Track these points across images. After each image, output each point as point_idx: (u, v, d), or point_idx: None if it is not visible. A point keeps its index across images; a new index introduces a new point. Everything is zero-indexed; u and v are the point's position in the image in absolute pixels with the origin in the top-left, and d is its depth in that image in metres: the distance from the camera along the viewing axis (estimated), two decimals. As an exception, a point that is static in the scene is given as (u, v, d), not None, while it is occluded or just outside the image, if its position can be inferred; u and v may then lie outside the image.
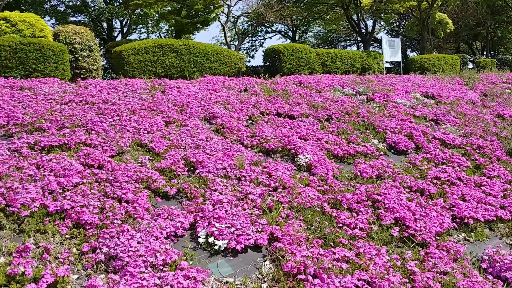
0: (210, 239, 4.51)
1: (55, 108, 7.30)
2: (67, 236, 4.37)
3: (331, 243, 4.71)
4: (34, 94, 7.99)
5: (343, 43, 37.65)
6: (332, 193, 5.85)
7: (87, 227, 4.45)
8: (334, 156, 7.30)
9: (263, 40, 34.55)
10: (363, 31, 24.18)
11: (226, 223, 4.69)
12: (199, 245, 4.54)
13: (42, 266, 3.84)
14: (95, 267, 4.01)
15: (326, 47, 35.89)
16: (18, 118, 6.69)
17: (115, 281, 3.76)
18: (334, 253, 4.41)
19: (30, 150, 5.83)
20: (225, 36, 27.12)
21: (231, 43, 31.66)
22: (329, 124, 8.83)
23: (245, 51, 33.19)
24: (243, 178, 5.92)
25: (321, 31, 36.76)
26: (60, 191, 4.92)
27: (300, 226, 4.91)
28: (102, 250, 4.13)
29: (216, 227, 4.61)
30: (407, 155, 8.02)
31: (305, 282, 3.99)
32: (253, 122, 8.51)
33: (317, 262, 4.21)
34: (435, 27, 23.87)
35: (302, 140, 7.58)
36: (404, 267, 4.46)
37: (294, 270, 4.13)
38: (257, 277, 4.20)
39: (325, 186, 6.04)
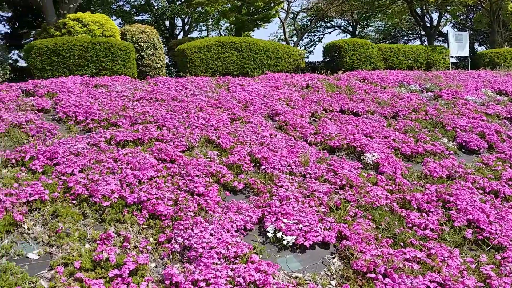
0: (279, 234, 4.59)
1: (128, 105, 7.70)
2: (144, 226, 4.62)
3: (401, 243, 4.63)
4: (108, 91, 8.47)
5: (405, 38, 36.43)
6: (401, 193, 5.73)
7: (163, 218, 4.68)
8: (402, 154, 7.14)
9: (322, 36, 34.26)
10: (428, 25, 23.28)
11: (293, 219, 4.75)
12: (268, 240, 4.63)
13: (123, 254, 4.09)
14: (171, 256, 4.21)
15: (387, 41, 34.89)
16: (95, 114, 7.13)
17: (190, 270, 3.93)
18: (405, 253, 4.33)
19: (107, 144, 6.20)
20: (284, 32, 27.14)
21: (290, 39, 31.61)
22: (396, 122, 8.63)
23: (303, 47, 33.03)
24: (308, 175, 5.95)
25: (383, 26, 35.76)
26: (137, 183, 5.20)
27: (369, 225, 4.86)
28: (177, 240, 4.33)
29: (284, 223, 4.68)
30: (479, 155, 7.66)
31: (375, 281, 3.96)
32: (316, 119, 8.50)
33: (387, 262, 4.16)
34: (507, 19, 22.45)
35: (368, 138, 7.47)
36: (479, 270, 4.29)
37: (363, 269, 4.11)
38: (325, 273, 4.23)
39: (393, 185, 5.92)
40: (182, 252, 4.28)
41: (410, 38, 36.33)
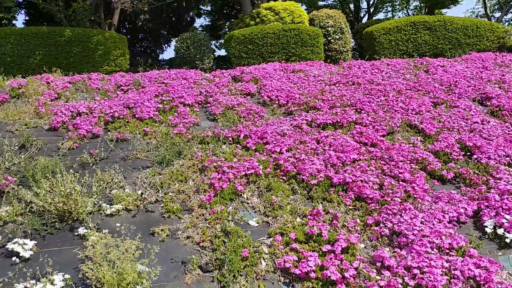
0: (499, 231, 4.16)
1: (325, 89, 7.91)
2: (350, 207, 4.71)
3: None
4: (305, 76, 8.83)
5: None
6: None
7: (368, 201, 4.70)
8: None
9: (530, 9, 29.27)
10: None
11: (518, 216, 4.25)
12: (485, 235, 4.26)
13: (333, 231, 4.25)
14: (379, 239, 4.21)
15: None
16: (295, 98, 7.52)
17: (401, 256, 3.87)
18: None
19: (308, 127, 6.48)
20: (485, 7, 24.06)
21: (491, 14, 27.92)
22: None
23: (506, 23, 28.86)
24: (533, 168, 5.23)
25: None
26: (340, 165, 5.32)
27: None
28: (385, 224, 4.30)
29: (507, 219, 4.23)
30: None
31: None
32: (538, 105, 7.37)
33: None
34: None
35: None
36: None
37: None
38: (562, 281, 3.68)
39: None
40: (390, 236, 4.24)
41: None
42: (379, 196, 4.71)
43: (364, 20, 25.49)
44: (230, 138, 6.16)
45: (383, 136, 6.19)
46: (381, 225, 4.32)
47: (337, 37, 13.02)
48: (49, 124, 6.43)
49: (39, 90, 7.58)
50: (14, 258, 3.69)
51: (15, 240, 3.80)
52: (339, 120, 6.59)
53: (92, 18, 13.58)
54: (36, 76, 8.57)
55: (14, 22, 15.40)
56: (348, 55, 13.21)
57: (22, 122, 6.42)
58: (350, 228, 4.31)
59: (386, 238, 4.22)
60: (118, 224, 4.19)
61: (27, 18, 18.01)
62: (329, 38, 12.87)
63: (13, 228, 4.07)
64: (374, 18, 25.84)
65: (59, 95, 7.64)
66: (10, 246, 3.74)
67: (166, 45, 21.98)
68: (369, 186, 4.83)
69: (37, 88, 7.68)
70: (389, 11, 29.26)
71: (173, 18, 20.98)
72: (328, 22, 12.94)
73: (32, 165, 4.99)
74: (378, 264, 3.82)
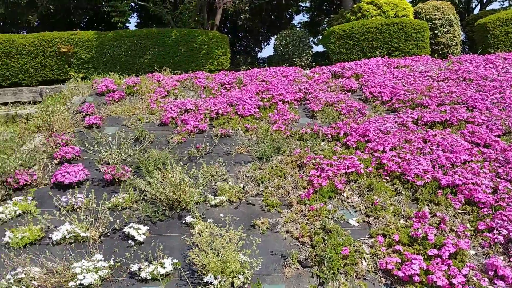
0: None
1: (433, 85, 7.46)
2: (459, 211, 4.40)
3: None
4: (411, 71, 8.42)
5: None
6: None
7: (480, 206, 4.35)
8: None
9: None
10: None
11: None
12: None
13: (440, 235, 4.01)
14: (492, 247, 3.89)
15: None
16: (400, 94, 7.20)
17: (519, 267, 3.55)
18: None
19: (414, 125, 6.18)
20: None
21: None
22: None
23: None
24: None
25: None
26: (449, 166, 4.99)
27: None
28: (500, 231, 3.95)
29: None
30: None
31: None
32: None
33: None
34: None
35: None
36: None
37: None
38: None
39: None
40: (505, 244, 3.89)
41: None
42: (493, 200, 4.33)
43: (476, 11, 23.59)
44: (329, 136, 6.10)
45: (498, 136, 5.67)
46: (495, 231, 3.98)
47: (444, 30, 12.27)
48: (159, 119, 6.94)
49: (150, 88, 8.21)
50: (129, 241, 4.05)
51: (130, 224, 4.17)
52: (448, 118, 6.18)
53: (196, 19, 14.33)
54: (148, 75, 9.30)
55: (127, 25, 16.83)
56: (457, 49, 12.37)
57: (136, 117, 7.00)
58: (459, 233, 4.03)
59: (500, 246, 3.88)
60: (221, 215, 4.39)
61: (138, 20, 19.62)
62: (435, 32, 12.19)
63: (129, 214, 4.48)
64: (487, 8, 23.74)
65: (168, 92, 8.20)
66: (126, 230, 4.11)
67: (264, 43, 22.43)
68: (482, 190, 4.47)
69: (149, 86, 8.33)
70: (505, 0, 26.65)
71: (272, 16, 21.32)
72: (435, 15, 12.26)
73: (145, 157, 5.43)
74: (491, 273, 3.54)
